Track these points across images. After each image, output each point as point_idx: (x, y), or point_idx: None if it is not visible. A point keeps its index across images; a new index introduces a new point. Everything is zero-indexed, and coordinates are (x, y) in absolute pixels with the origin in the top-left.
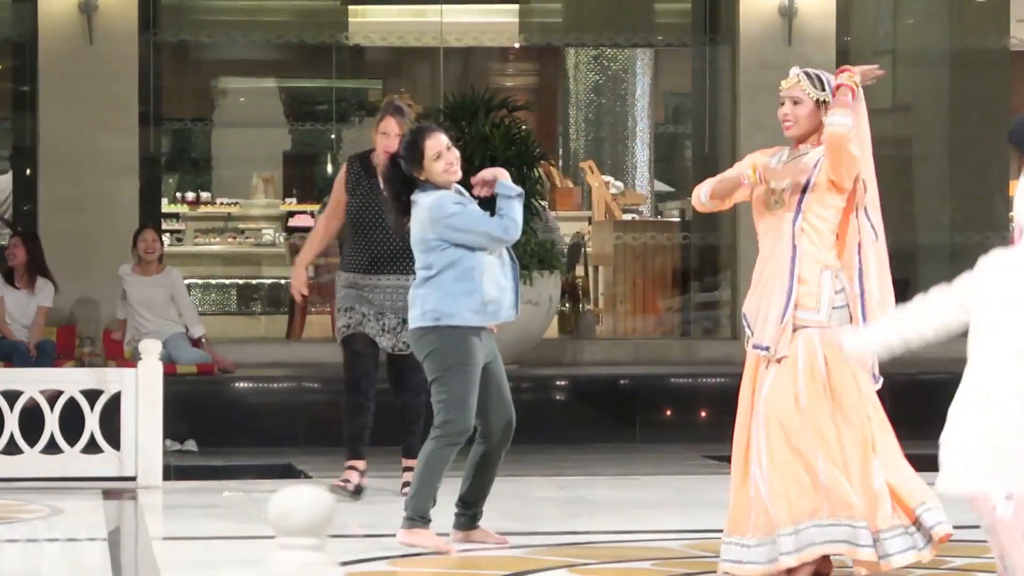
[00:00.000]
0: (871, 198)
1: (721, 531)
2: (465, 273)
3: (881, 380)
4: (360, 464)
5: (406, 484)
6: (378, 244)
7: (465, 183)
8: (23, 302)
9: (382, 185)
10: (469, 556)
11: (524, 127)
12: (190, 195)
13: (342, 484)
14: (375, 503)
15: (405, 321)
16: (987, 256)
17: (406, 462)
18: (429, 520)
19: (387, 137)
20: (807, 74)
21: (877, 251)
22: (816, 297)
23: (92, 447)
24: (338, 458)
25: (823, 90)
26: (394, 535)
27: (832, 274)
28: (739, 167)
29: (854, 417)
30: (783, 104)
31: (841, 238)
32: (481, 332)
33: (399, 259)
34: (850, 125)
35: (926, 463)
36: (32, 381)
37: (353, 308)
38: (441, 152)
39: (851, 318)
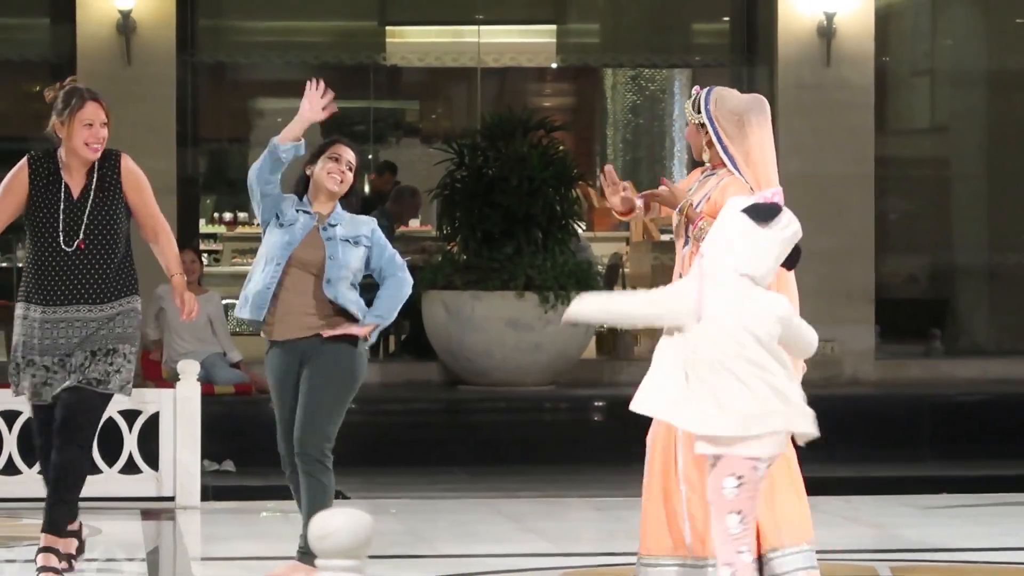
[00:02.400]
0: None
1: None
2: None
3: None
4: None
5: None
6: None
7: (497, 201)
8: None
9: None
10: None
11: (561, 147)
12: (227, 215)
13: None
14: (410, 522)
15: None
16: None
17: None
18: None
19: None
20: (697, 95)
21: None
22: None
23: (130, 467)
24: (373, 478)
25: (699, 112)
26: (434, 556)
27: None
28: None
29: None
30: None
31: None
32: (279, 344)
33: None
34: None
35: (961, 485)
36: None
37: None
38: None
39: None
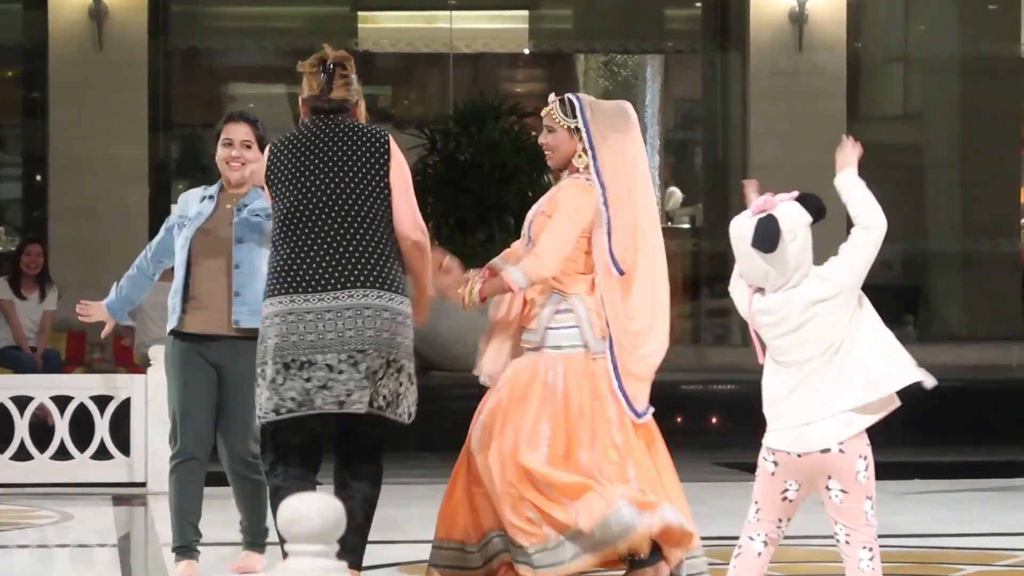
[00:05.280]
0: (626, 223)
1: (735, 538)
2: None
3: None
4: None
5: None
6: None
7: (470, 187)
8: (31, 309)
9: None
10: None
11: (534, 133)
12: None
13: None
14: (382, 508)
15: None
16: None
17: None
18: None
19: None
20: (561, 101)
21: (622, 284)
22: (537, 319)
23: (102, 453)
24: None
25: (574, 117)
26: (404, 541)
27: (560, 297)
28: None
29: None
30: (542, 132)
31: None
32: (189, 336)
33: None
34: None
35: (934, 470)
36: (42, 387)
37: None
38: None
39: (586, 341)
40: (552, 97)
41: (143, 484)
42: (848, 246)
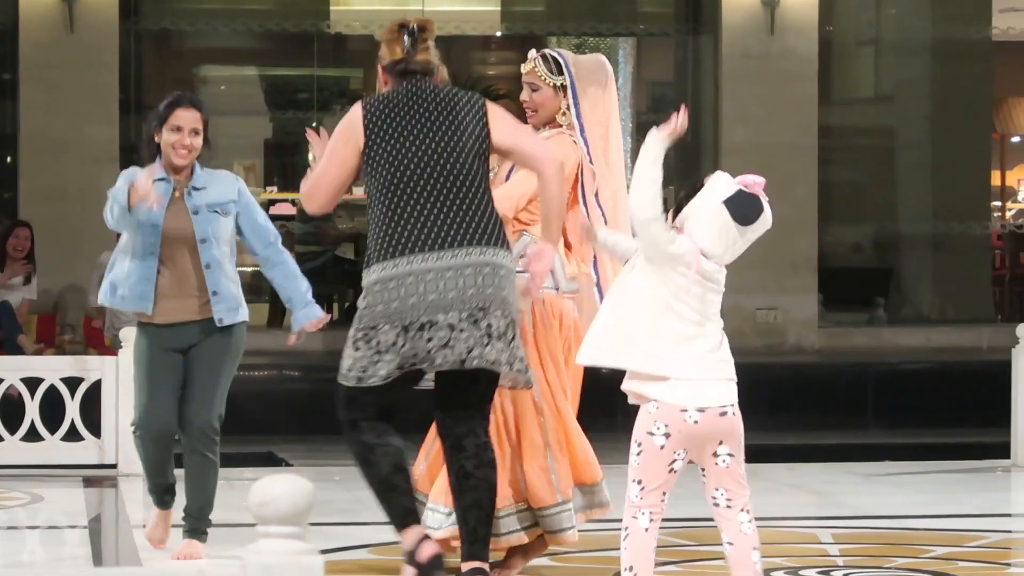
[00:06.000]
0: (605, 176)
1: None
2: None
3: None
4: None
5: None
6: None
7: None
8: (13, 294)
9: None
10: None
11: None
12: None
13: None
14: (354, 490)
15: None
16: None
17: None
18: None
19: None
20: (543, 57)
21: None
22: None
23: (73, 435)
24: (318, 446)
25: (560, 74)
26: (376, 523)
27: (529, 239)
28: None
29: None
30: (523, 90)
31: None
32: (159, 327)
33: None
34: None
35: (904, 452)
36: (12, 369)
37: None
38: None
39: (556, 283)
40: (533, 54)
41: (114, 466)
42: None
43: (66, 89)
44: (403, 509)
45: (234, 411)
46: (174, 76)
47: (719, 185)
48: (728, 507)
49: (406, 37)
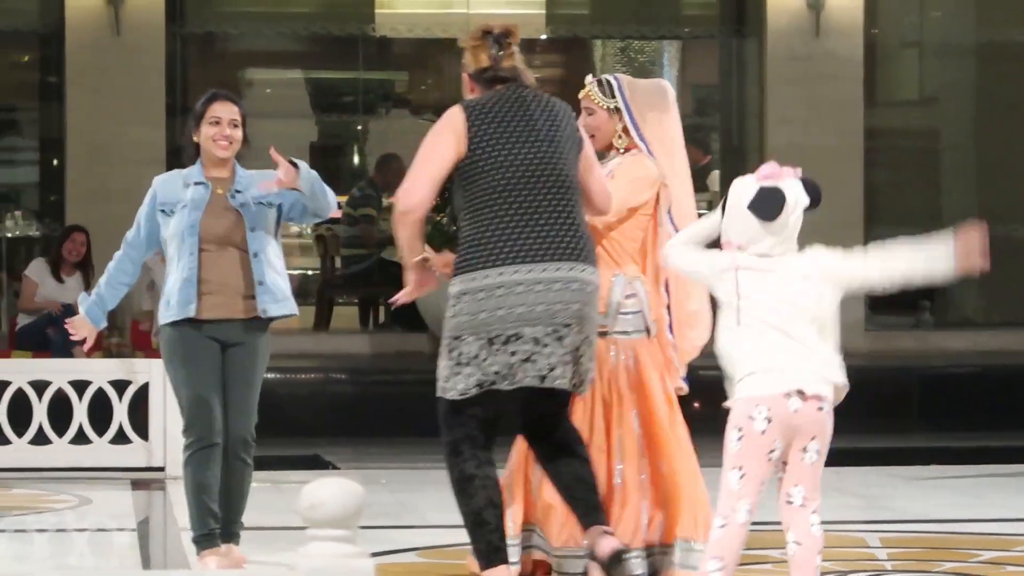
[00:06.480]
0: (677, 198)
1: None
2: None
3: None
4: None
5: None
6: None
7: None
8: (70, 293)
9: None
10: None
11: None
12: None
13: None
14: (400, 493)
15: None
16: None
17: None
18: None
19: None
20: (599, 82)
21: None
22: (605, 302)
23: (120, 438)
24: (364, 449)
25: (613, 97)
26: (422, 527)
27: (625, 280)
28: None
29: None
30: (580, 115)
31: (646, 244)
32: (201, 323)
33: None
34: None
35: (950, 456)
36: (61, 371)
37: None
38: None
39: (648, 325)
40: (589, 79)
41: (162, 468)
42: (859, 257)
43: (112, 92)
44: (491, 547)
45: (280, 414)
46: (219, 79)
47: (740, 190)
48: (802, 506)
49: (492, 44)
